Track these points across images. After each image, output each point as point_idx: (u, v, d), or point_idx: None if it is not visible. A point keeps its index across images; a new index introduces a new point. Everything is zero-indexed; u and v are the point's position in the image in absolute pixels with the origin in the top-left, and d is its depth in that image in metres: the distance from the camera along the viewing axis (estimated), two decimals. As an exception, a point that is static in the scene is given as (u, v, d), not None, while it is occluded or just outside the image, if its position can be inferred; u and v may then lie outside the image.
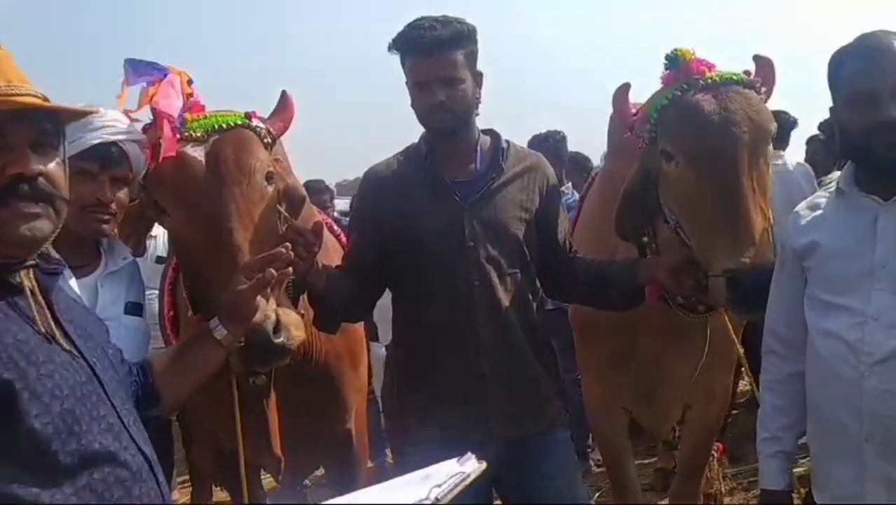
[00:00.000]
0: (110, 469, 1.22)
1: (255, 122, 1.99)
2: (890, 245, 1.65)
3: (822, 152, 5.23)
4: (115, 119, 1.84)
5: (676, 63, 2.10)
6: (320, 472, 3.34)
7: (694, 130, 2.00)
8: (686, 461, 2.99)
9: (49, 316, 1.28)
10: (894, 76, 1.62)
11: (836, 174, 5.02)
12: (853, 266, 1.69)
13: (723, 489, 3.70)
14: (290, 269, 1.70)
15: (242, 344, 1.65)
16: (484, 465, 1.45)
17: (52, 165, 1.27)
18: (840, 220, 1.75)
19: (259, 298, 1.62)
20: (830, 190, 1.81)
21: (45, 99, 1.26)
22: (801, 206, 1.89)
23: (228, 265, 1.75)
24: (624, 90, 2.22)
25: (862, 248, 1.68)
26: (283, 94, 2.13)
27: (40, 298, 1.28)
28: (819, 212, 1.81)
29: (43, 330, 1.24)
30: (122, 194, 1.95)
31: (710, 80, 2.05)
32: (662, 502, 3.83)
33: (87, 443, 1.20)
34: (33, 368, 1.18)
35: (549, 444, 2.18)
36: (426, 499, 1.31)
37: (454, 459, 1.47)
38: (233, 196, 1.84)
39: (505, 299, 2.11)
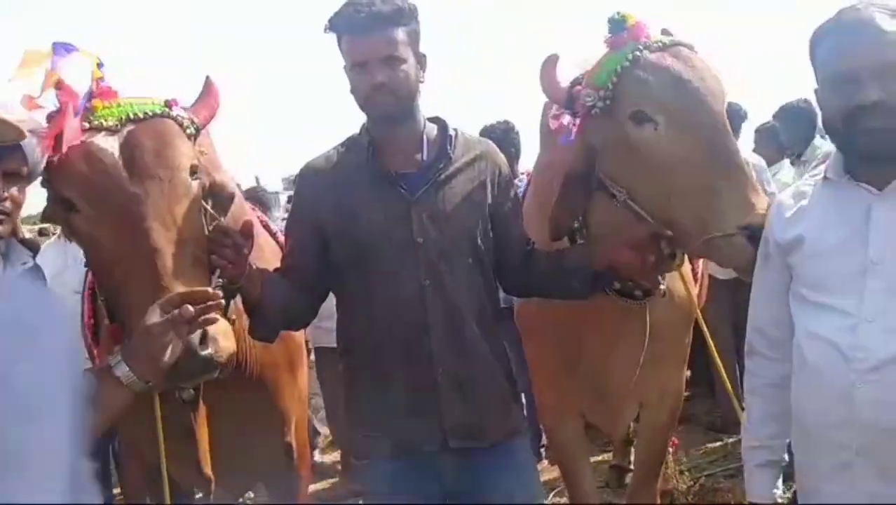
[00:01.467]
0: None
1: (175, 111, 1.79)
2: (885, 239, 1.51)
3: (768, 144, 5.18)
4: (3, 106, 1.63)
5: (623, 26, 1.99)
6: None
7: (675, 88, 1.89)
8: (643, 461, 2.91)
9: None
10: (874, 55, 1.49)
11: (786, 162, 5.02)
12: (843, 263, 1.55)
13: (680, 487, 3.65)
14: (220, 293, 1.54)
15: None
16: None
17: None
18: (828, 213, 1.61)
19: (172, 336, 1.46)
20: (817, 177, 1.68)
21: None
22: (786, 195, 1.76)
23: (147, 270, 1.58)
24: (552, 62, 2.08)
25: (853, 243, 1.55)
26: (208, 79, 1.96)
27: None
28: (804, 202, 1.67)
29: None
30: (17, 191, 1.74)
31: (661, 43, 1.98)
32: (619, 502, 3.75)
33: None
34: None
35: (507, 454, 2.03)
36: None
37: None
38: (152, 193, 1.66)
39: (458, 299, 1.95)
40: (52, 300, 0.88)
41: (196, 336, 1.53)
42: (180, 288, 1.56)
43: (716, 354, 2.90)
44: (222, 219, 1.88)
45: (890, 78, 1.47)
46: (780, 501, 1.78)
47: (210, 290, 1.50)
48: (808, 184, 1.71)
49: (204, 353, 1.53)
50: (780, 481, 1.80)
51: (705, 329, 2.65)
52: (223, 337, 1.58)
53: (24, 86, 1.61)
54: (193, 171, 1.77)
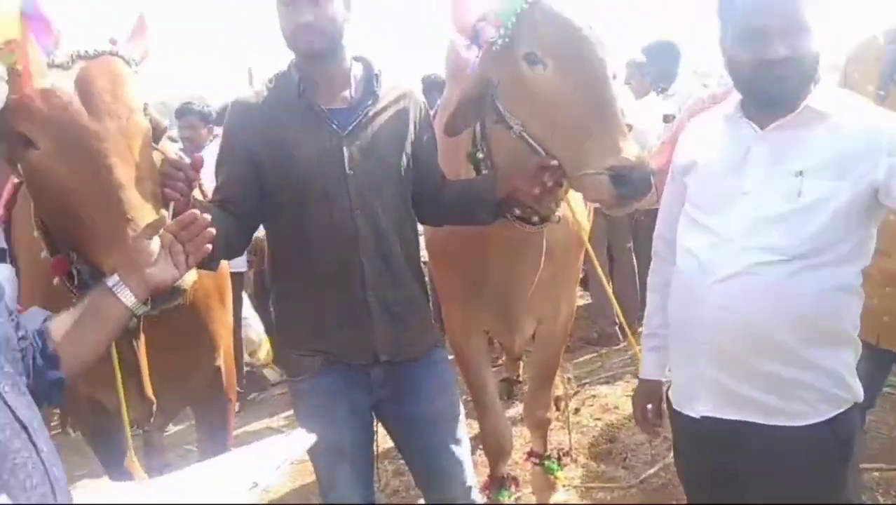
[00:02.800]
0: None
1: (121, 49, 1.84)
2: (756, 172, 1.76)
3: (639, 76, 5.53)
4: None
5: None
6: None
7: (565, 35, 2.03)
8: (538, 372, 3.20)
9: None
10: (784, 15, 1.68)
11: (652, 94, 5.41)
12: (721, 189, 1.81)
13: (569, 392, 4.02)
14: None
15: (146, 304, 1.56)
16: (313, 437, 1.46)
17: None
18: (719, 143, 1.86)
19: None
20: (727, 110, 1.88)
21: None
22: (693, 123, 2.01)
23: (112, 204, 1.67)
24: None
25: (732, 173, 1.79)
26: (141, 17, 2.00)
27: None
28: (706, 131, 1.93)
29: None
30: None
31: None
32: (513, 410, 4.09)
33: None
34: None
35: (429, 365, 2.25)
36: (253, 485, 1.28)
37: (283, 435, 1.49)
38: (112, 130, 1.73)
39: (386, 228, 2.12)
40: None
41: None
42: (145, 220, 1.64)
43: (600, 272, 3.23)
44: (161, 152, 1.95)
45: (795, 35, 1.68)
46: (665, 380, 2.11)
47: (199, 213, 1.57)
48: (712, 115, 1.94)
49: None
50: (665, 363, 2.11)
51: (591, 251, 2.93)
52: None
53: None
54: (144, 109, 1.83)
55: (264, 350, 5.52)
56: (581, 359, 4.95)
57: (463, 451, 2.29)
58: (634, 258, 5.23)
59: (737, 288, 1.73)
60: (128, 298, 1.50)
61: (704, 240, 1.82)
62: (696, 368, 1.84)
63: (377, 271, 2.12)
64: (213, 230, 1.57)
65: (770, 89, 1.74)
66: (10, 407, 1.20)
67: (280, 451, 1.35)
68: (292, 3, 2.01)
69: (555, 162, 2.08)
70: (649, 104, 5.21)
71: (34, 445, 1.21)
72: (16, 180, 2.17)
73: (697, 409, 1.86)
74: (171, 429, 3.84)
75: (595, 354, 4.96)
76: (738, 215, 1.77)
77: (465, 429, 2.36)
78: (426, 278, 2.39)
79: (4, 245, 2.03)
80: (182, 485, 1.36)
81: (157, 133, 1.99)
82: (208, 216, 1.58)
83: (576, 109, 2.01)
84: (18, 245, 2.38)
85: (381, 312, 2.14)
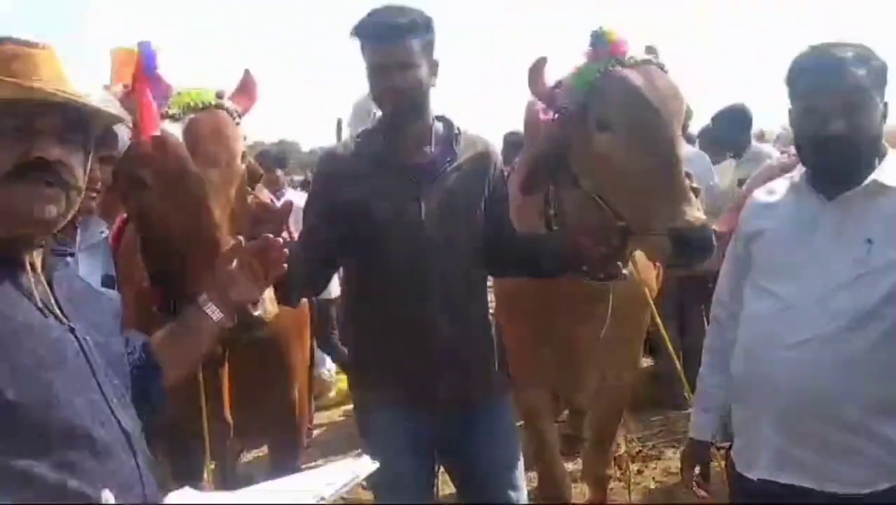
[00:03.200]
0: (86, 442, 1.26)
1: (226, 103, 2.04)
2: (824, 242, 1.82)
3: (709, 143, 5.57)
4: (105, 100, 1.86)
5: (603, 41, 2.23)
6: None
7: (634, 103, 2.14)
8: (598, 428, 3.24)
9: (49, 293, 1.35)
10: (845, 94, 1.76)
11: (729, 160, 5.43)
12: (789, 257, 1.86)
13: (631, 452, 4.02)
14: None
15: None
16: (376, 464, 1.54)
17: (73, 157, 1.33)
18: (787, 212, 1.92)
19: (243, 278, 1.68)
20: (794, 179, 1.96)
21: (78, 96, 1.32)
22: (760, 191, 2.07)
23: (209, 241, 1.84)
24: (540, 65, 2.33)
25: (800, 242, 1.85)
26: (247, 72, 2.19)
27: (41, 275, 1.35)
28: (773, 199, 1.99)
29: (40, 305, 1.30)
30: (107, 173, 1.98)
31: (634, 60, 2.22)
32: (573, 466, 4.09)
33: (64, 417, 1.24)
34: (19, 340, 1.23)
35: (492, 413, 2.34)
36: (319, 498, 1.35)
37: (350, 458, 1.59)
38: (213, 175, 1.91)
39: (456, 278, 2.24)
40: None
41: None
42: None
43: (664, 333, 3.26)
44: (255, 196, 2.14)
45: (854, 113, 1.76)
46: (716, 442, 2.15)
47: (272, 237, 1.69)
48: (782, 183, 2.01)
49: (256, 313, 1.77)
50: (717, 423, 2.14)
51: (656, 313, 2.97)
52: (270, 301, 1.83)
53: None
54: (243, 156, 2.03)
55: (335, 389, 5.65)
56: (648, 420, 4.92)
57: (520, 497, 2.35)
58: (706, 322, 5.19)
59: (804, 355, 1.77)
60: (214, 313, 1.65)
61: (771, 306, 1.87)
62: (756, 430, 1.87)
63: (446, 319, 2.23)
64: (286, 251, 1.69)
65: (829, 164, 1.82)
66: (116, 417, 1.35)
67: (346, 472, 1.46)
68: (384, 69, 2.17)
69: (621, 223, 2.17)
70: (726, 169, 5.24)
71: (133, 451, 1.36)
72: (125, 214, 2.38)
73: (755, 471, 1.88)
74: (241, 458, 3.99)
75: (662, 417, 4.92)
76: (806, 282, 1.82)
77: (524, 479, 2.42)
78: (493, 329, 2.49)
79: (113, 273, 2.23)
80: (253, 495, 1.49)
81: (253, 179, 2.18)
82: (280, 239, 1.70)
83: (641, 174, 2.12)
84: (123, 274, 2.60)
85: (447, 358, 2.24)
